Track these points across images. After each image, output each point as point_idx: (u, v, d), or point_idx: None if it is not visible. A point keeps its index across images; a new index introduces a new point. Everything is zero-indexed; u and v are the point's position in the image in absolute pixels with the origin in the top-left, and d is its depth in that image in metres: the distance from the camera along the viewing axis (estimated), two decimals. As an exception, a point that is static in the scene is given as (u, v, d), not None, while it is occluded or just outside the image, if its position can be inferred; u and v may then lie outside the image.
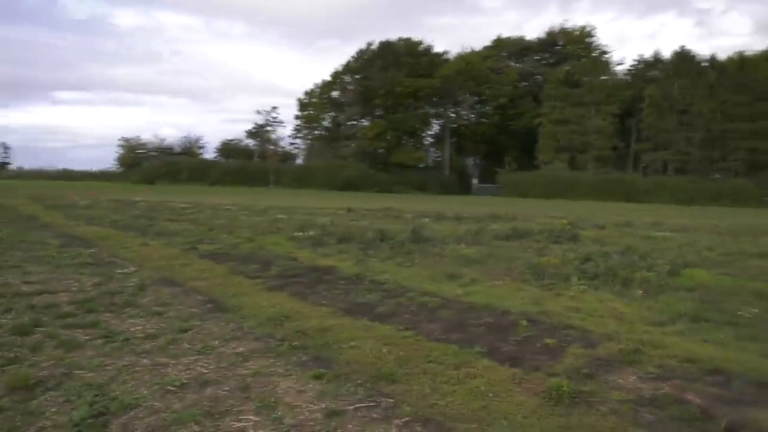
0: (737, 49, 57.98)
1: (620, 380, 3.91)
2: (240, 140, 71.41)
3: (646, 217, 22.30)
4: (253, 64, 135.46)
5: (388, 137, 58.94)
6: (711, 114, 50.24)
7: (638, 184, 49.56)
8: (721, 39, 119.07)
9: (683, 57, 55.31)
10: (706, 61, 54.96)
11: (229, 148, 71.64)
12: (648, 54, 62.15)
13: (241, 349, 4.40)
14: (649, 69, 58.24)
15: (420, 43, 62.48)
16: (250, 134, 69.03)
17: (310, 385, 3.69)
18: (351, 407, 3.38)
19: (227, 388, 3.61)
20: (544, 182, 51.35)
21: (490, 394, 3.58)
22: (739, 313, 5.77)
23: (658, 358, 4.34)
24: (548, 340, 4.70)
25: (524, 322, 5.18)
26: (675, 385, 3.83)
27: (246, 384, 3.68)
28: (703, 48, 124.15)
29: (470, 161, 67.45)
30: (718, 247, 11.37)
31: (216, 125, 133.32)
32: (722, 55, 55.48)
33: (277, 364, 4.08)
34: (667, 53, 57.65)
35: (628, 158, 56.81)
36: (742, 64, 52.75)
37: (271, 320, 5.15)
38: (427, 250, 9.82)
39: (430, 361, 4.17)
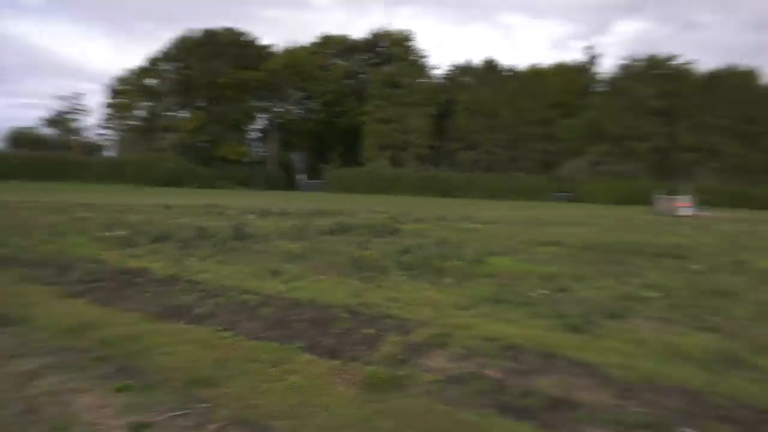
0: (534, 62, 65.59)
1: (431, 363, 4.19)
2: (36, 128, 62.91)
3: (459, 210, 24.27)
4: (53, 42, 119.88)
5: (211, 130, 56.39)
6: (513, 118, 56.38)
7: (452, 180, 53.65)
8: (522, 51, 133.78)
9: (490, 66, 61.25)
10: (509, 70, 61.48)
11: (21, 137, 62.69)
12: (462, 61, 67.58)
13: (29, 366, 3.87)
14: (462, 75, 63.35)
15: (245, 33, 60.72)
16: (49, 122, 61.21)
17: (115, 399, 3.38)
18: (161, 417, 3.16)
19: (10, 413, 3.15)
20: (368, 178, 53.17)
21: (310, 388, 3.61)
22: (531, 294, 6.53)
23: (464, 339, 4.73)
24: (367, 331, 4.87)
25: (345, 315, 5.30)
26: (477, 362, 4.21)
27: (35, 405, 3.25)
28: (508, 58, 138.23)
29: (297, 157, 67.42)
30: (516, 236, 12.79)
31: (3, 110, 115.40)
32: (522, 66, 62.59)
33: (75, 379, 3.66)
34: (478, 61, 63.31)
35: (445, 156, 61.27)
36: (537, 75, 60.06)
37: (68, 331, 4.61)
38: (251, 247, 9.59)
39: (249, 361, 4.07)
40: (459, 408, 3.40)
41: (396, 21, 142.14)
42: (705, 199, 35.92)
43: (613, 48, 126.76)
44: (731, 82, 59.16)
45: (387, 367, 3.97)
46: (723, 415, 3.38)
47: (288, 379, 3.74)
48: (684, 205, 27.92)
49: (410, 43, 63.96)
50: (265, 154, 63.69)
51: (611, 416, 3.35)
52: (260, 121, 64.53)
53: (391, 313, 5.53)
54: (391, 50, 64.10)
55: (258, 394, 3.50)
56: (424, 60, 63.64)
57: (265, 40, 63.30)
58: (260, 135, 65.37)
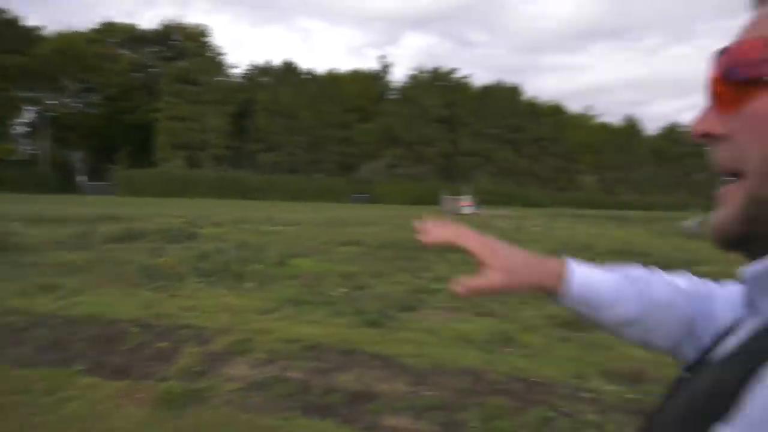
0: (332, 67, 67.70)
1: (232, 371, 4.05)
2: None
3: (261, 213, 23.91)
4: None
5: (-38, 123, 47.55)
6: (313, 121, 57.39)
7: (253, 182, 52.73)
8: (320, 55, 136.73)
9: (289, 68, 61.51)
10: (308, 73, 62.40)
11: None
12: (261, 61, 66.77)
13: None
14: (261, 75, 62.54)
15: (4, 11, 52.30)
16: None
17: None
18: None
19: None
20: (162, 180, 49.64)
21: (92, 415, 3.23)
22: (332, 293, 6.70)
23: (266, 344, 4.66)
24: (161, 344, 4.53)
25: (135, 329, 4.87)
26: (280, 365, 4.19)
27: None
28: (307, 61, 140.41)
29: (76, 156, 60.22)
30: (318, 237, 13.02)
31: None
32: (321, 70, 64.03)
33: None
34: (277, 62, 63.11)
35: (245, 157, 59.95)
36: (335, 79, 62.02)
37: None
38: (17, 260, 8.29)
39: (16, 393, 3.51)
40: (262, 414, 3.35)
41: (189, 14, 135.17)
42: (483, 199, 40.59)
43: (404, 58, 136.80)
44: (500, 96, 67.81)
45: (184, 380, 3.74)
46: (500, 389, 3.84)
47: (66, 407, 3.31)
48: (466, 205, 31.18)
49: (206, 39, 61.29)
50: (35, 152, 55.69)
51: (405, 403, 3.58)
52: (28, 114, 56.23)
53: (188, 323, 5.22)
54: (184, 44, 60.70)
55: (28, 429, 3.03)
56: (221, 57, 61.50)
57: (31, 21, 55.36)
58: (29, 130, 56.98)
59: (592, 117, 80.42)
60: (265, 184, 52.39)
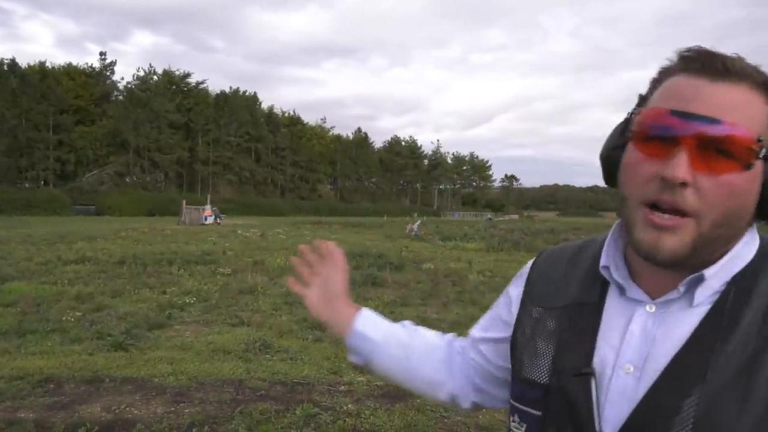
0: (40, 58, 58.55)
1: (-62, 425, 3.33)
2: None
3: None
4: None
5: None
6: (17, 121, 48.70)
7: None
8: (23, 44, 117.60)
9: (-18, 56, 51.30)
10: (7, 64, 52.80)
11: None
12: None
13: None
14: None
15: None
16: None
17: None
18: None
19: None
20: None
21: None
22: (64, 318, 5.92)
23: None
24: None
25: None
26: (6, 407, 3.58)
27: None
28: (4, 51, 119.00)
29: None
30: (36, 256, 11.24)
31: None
32: (24, 62, 54.74)
33: None
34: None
35: None
36: (44, 74, 53.60)
37: None
38: None
39: None
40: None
41: None
42: (225, 208, 39.78)
43: (132, 57, 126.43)
44: (238, 104, 67.28)
45: None
46: (263, 395, 3.90)
47: None
48: (208, 215, 30.17)
49: None
50: None
51: (166, 424, 3.40)
52: None
53: None
54: None
55: None
56: None
57: None
58: None
59: (326, 129, 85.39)
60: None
